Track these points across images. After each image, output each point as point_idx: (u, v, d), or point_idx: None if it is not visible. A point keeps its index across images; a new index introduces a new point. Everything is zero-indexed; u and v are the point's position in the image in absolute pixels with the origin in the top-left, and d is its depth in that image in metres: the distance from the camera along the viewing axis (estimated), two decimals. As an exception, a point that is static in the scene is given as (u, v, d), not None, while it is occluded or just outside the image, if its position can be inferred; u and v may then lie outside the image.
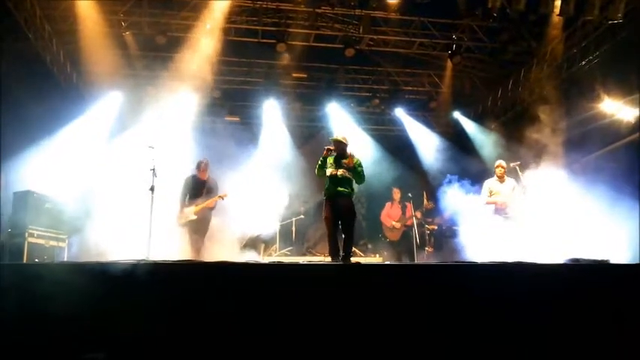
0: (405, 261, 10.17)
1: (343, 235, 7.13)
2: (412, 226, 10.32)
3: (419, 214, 10.61)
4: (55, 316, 4.06)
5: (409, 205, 10.54)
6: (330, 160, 7.15)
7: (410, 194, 10.67)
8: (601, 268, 5.37)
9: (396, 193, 10.83)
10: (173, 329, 4.25)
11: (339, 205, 7.03)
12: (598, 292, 4.83)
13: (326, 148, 7.17)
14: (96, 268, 4.40)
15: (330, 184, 7.07)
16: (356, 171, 7.11)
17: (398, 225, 10.47)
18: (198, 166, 8.43)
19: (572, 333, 4.60)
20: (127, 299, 4.24)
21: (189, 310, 4.34)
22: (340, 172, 7.03)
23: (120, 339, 4.09)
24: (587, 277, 5.12)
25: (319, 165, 7.18)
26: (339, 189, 7.02)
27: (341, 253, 7.03)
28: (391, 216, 10.75)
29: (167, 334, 4.22)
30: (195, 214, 8.19)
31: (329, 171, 7.07)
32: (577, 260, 5.99)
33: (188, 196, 8.31)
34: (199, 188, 8.35)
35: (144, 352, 4.17)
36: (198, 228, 8.24)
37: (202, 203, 8.23)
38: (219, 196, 8.34)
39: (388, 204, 10.97)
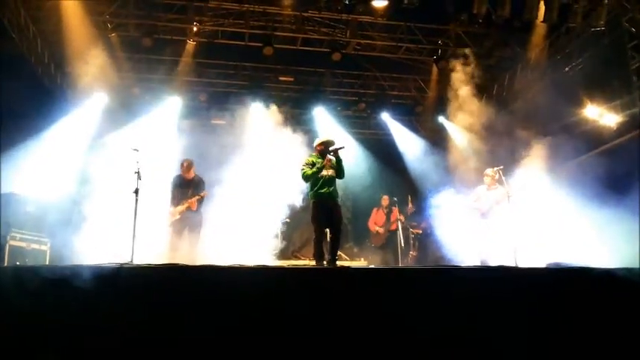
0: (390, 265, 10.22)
1: (329, 239, 7.15)
2: (396, 230, 10.37)
3: (403, 218, 10.68)
4: (31, 320, 4.02)
5: (395, 210, 10.60)
6: (315, 161, 7.16)
7: (395, 198, 10.72)
8: (582, 272, 5.42)
9: (385, 200, 10.88)
10: (157, 333, 4.23)
11: (330, 207, 7.05)
12: (579, 296, 4.89)
13: (335, 148, 7.14)
14: (77, 272, 4.35)
15: (320, 186, 7.03)
16: (340, 165, 7.14)
17: (381, 230, 10.54)
18: (181, 166, 8.54)
19: (552, 337, 4.64)
20: (108, 304, 4.21)
21: (172, 314, 4.31)
22: (330, 172, 7.09)
23: (100, 344, 4.06)
24: (568, 282, 5.17)
25: (314, 169, 7.05)
26: (330, 190, 7.05)
27: (327, 256, 7.05)
28: (376, 222, 10.82)
29: (150, 338, 4.19)
30: (179, 213, 8.30)
31: (322, 173, 7.04)
32: (558, 264, 6.07)
33: (176, 196, 8.41)
34: (185, 187, 8.47)
35: (126, 358, 4.14)
36: (184, 227, 8.33)
37: (186, 203, 8.32)
38: (199, 196, 8.39)
39: (374, 210, 11.04)
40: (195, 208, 8.36)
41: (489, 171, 8.79)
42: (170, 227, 8.35)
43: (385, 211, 10.74)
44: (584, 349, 4.60)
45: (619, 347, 4.66)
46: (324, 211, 7.03)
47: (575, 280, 5.17)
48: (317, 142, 7.37)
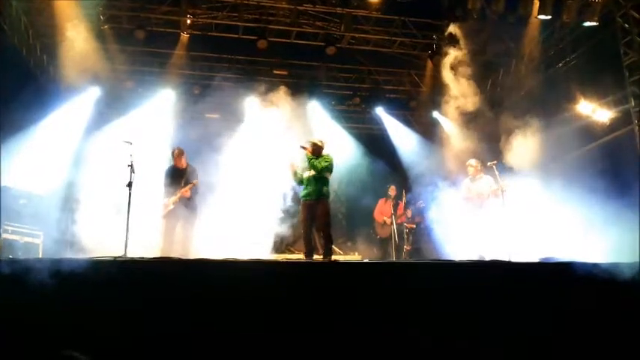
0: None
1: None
2: (402, 224, 10.47)
3: (409, 213, 10.71)
4: (26, 313, 4.01)
5: (401, 204, 10.65)
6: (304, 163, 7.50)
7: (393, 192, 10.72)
8: (573, 266, 5.45)
9: (392, 190, 10.89)
10: (149, 328, 4.22)
11: (310, 205, 7.35)
12: (569, 289, 4.92)
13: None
14: (70, 265, 4.34)
15: (303, 188, 7.50)
16: (309, 163, 7.38)
17: (389, 221, 10.52)
18: (172, 154, 8.50)
19: (546, 330, 4.68)
20: (101, 297, 4.20)
21: (166, 308, 4.31)
22: (307, 174, 7.40)
23: (94, 337, 4.05)
24: (559, 276, 5.22)
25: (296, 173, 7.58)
26: (309, 191, 7.37)
27: (321, 251, 7.19)
28: (383, 212, 10.82)
29: (142, 333, 4.19)
30: (173, 203, 8.25)
31: (305, 175, 7.45)
32: (550, 259, 6.11)
33: (169, 187, 8.35)
34: (177, 177, 8.40)
35: (120, 352, 4.14)
36: (178, 219, 8.29)
37: (179, 192, 8.27)
38: (191, 184, 8.34)
39: (382, 200, 11.03)
40: (188, 195, 8.31)
41: (472, 161, 8.85)
42: (164, 219, 8.30)
43: (393, 202, 10.72)
44: (578, 343, 4.64)
45: (612, 340, 4.71)
46: (306, 210, 7.37)
47: (566, 274, 5.22)
48: None
